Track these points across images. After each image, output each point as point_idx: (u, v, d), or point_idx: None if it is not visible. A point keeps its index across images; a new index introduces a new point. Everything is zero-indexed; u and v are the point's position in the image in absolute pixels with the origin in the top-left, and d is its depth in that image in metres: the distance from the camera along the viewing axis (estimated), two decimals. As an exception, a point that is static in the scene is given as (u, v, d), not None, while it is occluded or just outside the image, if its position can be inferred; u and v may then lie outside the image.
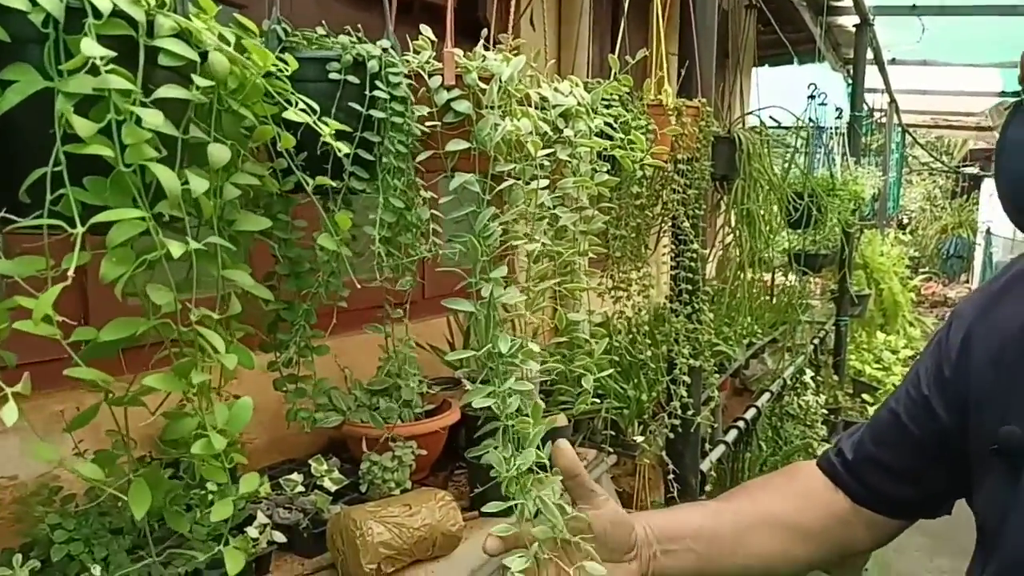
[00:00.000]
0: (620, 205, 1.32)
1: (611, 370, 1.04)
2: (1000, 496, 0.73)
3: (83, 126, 0.40)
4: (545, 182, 0.76)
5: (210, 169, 0.46)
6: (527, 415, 0.79)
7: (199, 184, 0.42)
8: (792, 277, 4.03)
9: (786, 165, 2.36)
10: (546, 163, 0.86)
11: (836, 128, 3.95)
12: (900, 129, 8.39)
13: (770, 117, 3.10)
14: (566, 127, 0.90)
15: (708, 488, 1.85)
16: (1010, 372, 0.74)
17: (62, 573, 1.09)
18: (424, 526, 1.38)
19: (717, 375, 1.74)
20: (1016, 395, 0.72)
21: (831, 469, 0.90)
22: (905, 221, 13.52)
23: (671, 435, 1.62)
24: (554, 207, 0.88)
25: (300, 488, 1.52)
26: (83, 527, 1.24)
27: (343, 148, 0.54)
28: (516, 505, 0.78)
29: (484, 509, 0.75)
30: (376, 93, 0.64)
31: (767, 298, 3.54)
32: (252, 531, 1.33)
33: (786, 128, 3.02)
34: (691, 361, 1.53)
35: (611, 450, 2.08)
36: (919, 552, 4.03)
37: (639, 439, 1.95)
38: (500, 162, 0.74)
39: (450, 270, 0.74)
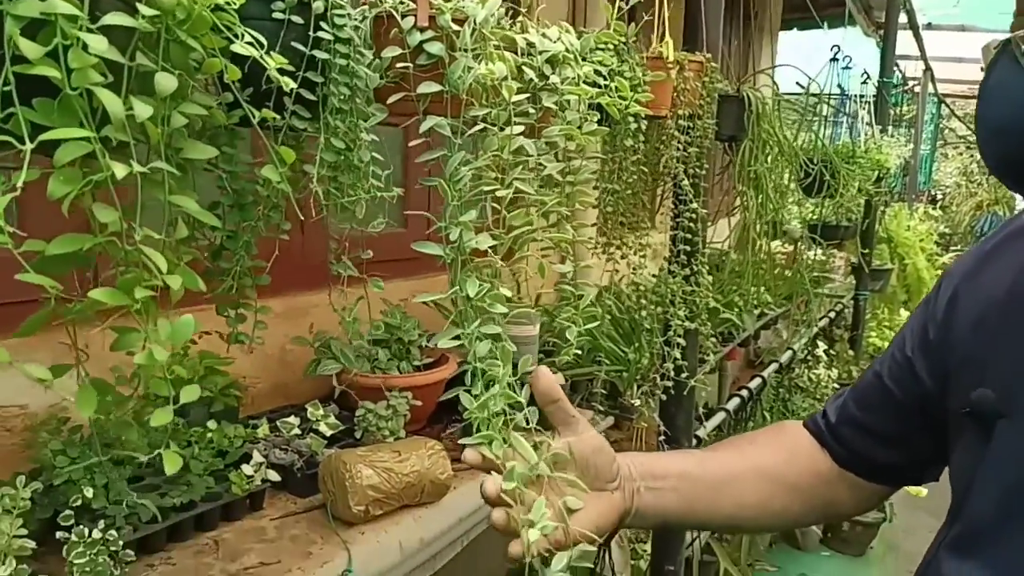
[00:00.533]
0: (613, 159, 1.31)
1: (595, 324, 1.05)
2: (969, 460, 0.72)
3: (30, 48, 0.41)
4: (520, 128, 0.76)
5: (157, 97, 0.47)
6: (497, 358, 0.81)
7: (143, 110, 0.44)
8: (813, 249, 3.99)
9: (799, 129, 2.31)
10: (531, 110, 0.86)
11: (862, 95, 3.86)
12: (935, 99, 8.13)
13: (796, 83, 3.05)
14: (552, 74, 0.89)
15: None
16: (991, 335, 0.72)
17: (64, 497, 1.13)
18: (413, 472, 1.42)
19: (715, 340, 1.74)
20: (993, 359, 0.71)
21: (816, 429, 0.90)
22: (938, 196, 13.19)
23: (663, 397, 1.64)
24: (539, 156, 0.88)
25: (296, 431, 1.57)
26: (86, 456, 1.30)
27: (288, 83, 0.55)
28: (490, 443, 0.80)
29: (460, 441, 0.77)
30: (320, 34, 0.65)
31: (781, 268, 3.51)
32: (247, 468, 1.38)
33: (811, 94, 2.97)
34: (686, 324, 1.53)
35: (607, 412, 2.11)
36: (929, 532, 4.02)
37: (637, 402, 1.97)
38: (474, 106, 0.74)
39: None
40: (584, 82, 0.92)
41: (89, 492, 0.96)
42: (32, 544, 0.96)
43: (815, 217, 3.84)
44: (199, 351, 1.61)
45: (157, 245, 0.46)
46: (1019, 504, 0.66)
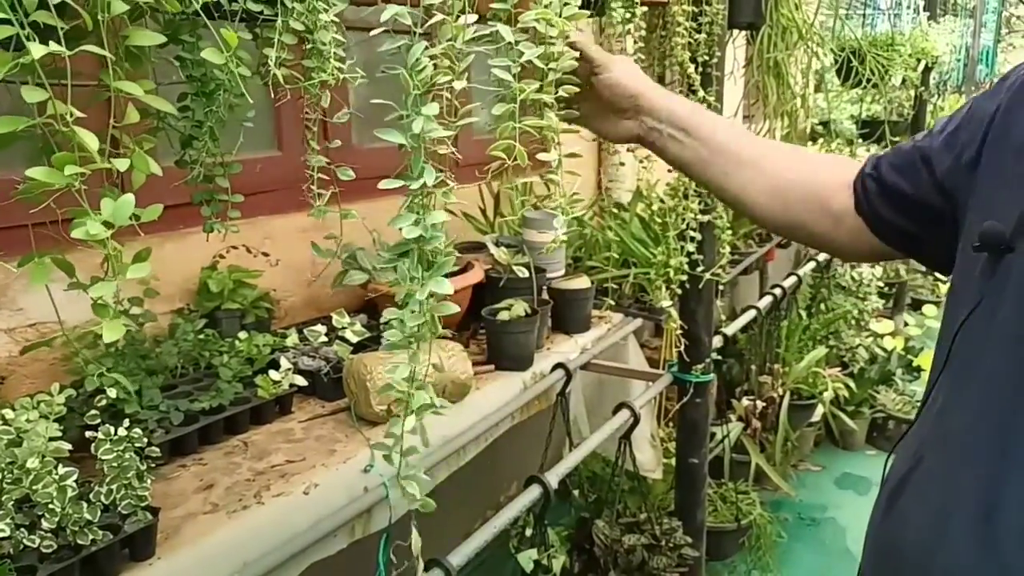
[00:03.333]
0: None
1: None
2: (969, 295, 0.71)
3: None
4: (474, 18, 0.75)
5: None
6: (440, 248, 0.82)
7: (60, -12, 0.45)
8: (865, 147, 3.83)
9: (821, 15, 2.18)
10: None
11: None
12: (1001, -19, 7.53)
13: None
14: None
15: (724, 362, 1.86)
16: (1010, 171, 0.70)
17: (96, 404, 1.20)
18: (434, 373, 1.47)
19: (753, 240, 1.71)
20: (1013, 191, 0.69)
21: (857, 174, 0.92)
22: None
23: (679, 291, 1.63)
24: (518, 42, 0.87)
25: (323, 339, 1.63)
26: (120, 366, 1.38)
27: (231, -38, 0.55)
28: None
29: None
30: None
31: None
32: (275, 374, 1.45)
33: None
34: (699, 216, 1.51)
35: (636, 314, 2.12)
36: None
37: (666, 303, 1.97)
38: (430, -6, 0.73)
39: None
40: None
41: (113, 393, 1.02)
42: (67, 446, 1.03)
43: (866, 113, 3.67)
44: (228, 265, 1.68)
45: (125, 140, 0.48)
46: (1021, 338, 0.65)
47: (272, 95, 0.71)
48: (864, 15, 3.05)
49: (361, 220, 1.11)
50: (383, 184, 0.74)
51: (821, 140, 3.79)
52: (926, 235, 0.85)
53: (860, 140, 3.98)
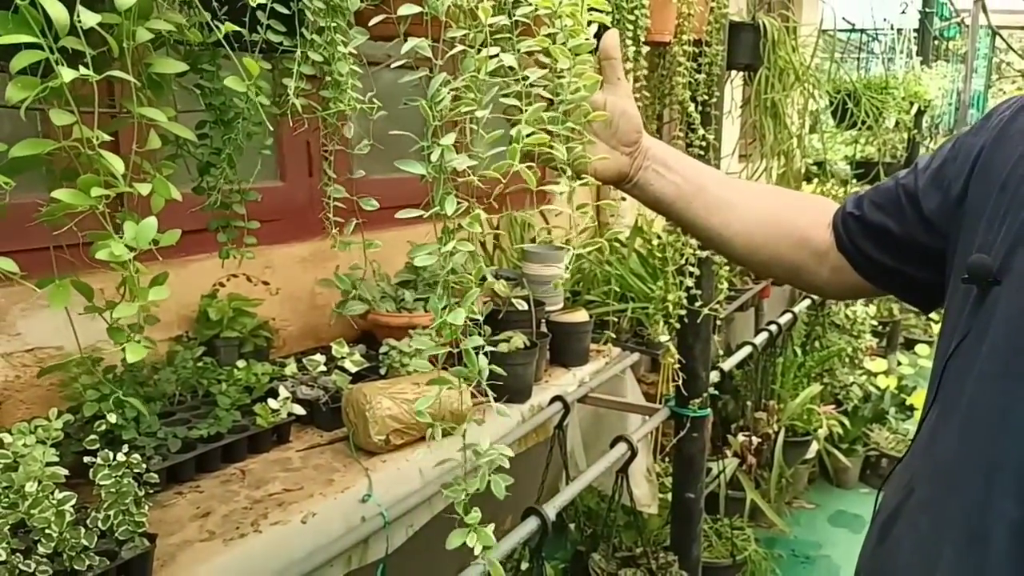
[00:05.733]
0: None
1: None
2: (958, 326, 0.72)
3: (-18, -40, 0.44)
4: (496, 50, 0.77)
5: (119, 10, 0.50)
6: (470, 274, 0.82)
7: (89, 18, 0.46)
8: (854, 187, 3.88)
9: (817, 58, 2.24)
10: (505, 22, 0.86)
11: (901, 28, 3.69)
12: (989, 31, 7.72)
13: (843, 19, 2.93)
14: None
15: (720, 399, 1.86)
16: (1008, 198, 0.71)
17: (95, 429, 1.20)
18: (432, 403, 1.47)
19: (747, 278, 1.73)
20: (998, 225, 0.70)
21: (836, 213, 0.93)
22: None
23: (677, 326, 1.64)
24: (525, 77, 0.88)
25: (322, 368, 1.63)
26: (118, 392, 1.38)
27: (255, -1, 0.57)
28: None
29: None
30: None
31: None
32: (273, 403, 1.44)
33: (843, 30, 2.86)
34: (698, 252, 1.53)
35: (633, 348, 2.12)
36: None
37: (664, 338, 1.97)
38: (452, 28, 0.75)
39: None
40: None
41: (112, 418, 1.02)
42: (64, 472, 1.01)
43: (860, 155, 3.72)
44: (228, 293, 1.68)
45: (144, 163, 0.49)
46: (1004, 369, 0.66)
47: (281, 125, 0.72)
48: (859, 58, 3.12)
49: (362, 250, 1.12)
50: (402, 214, 0.75)
51: (816, 180, 3.84)
52: (910, 272, 0.86)
53: (854, 181, 4.03)
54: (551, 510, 1.25)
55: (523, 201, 2.59)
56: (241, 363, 1.57)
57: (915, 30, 4.01)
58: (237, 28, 0.59)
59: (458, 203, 0.80)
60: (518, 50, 0.85)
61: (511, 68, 0.85)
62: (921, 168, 0.86)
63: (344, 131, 0.75)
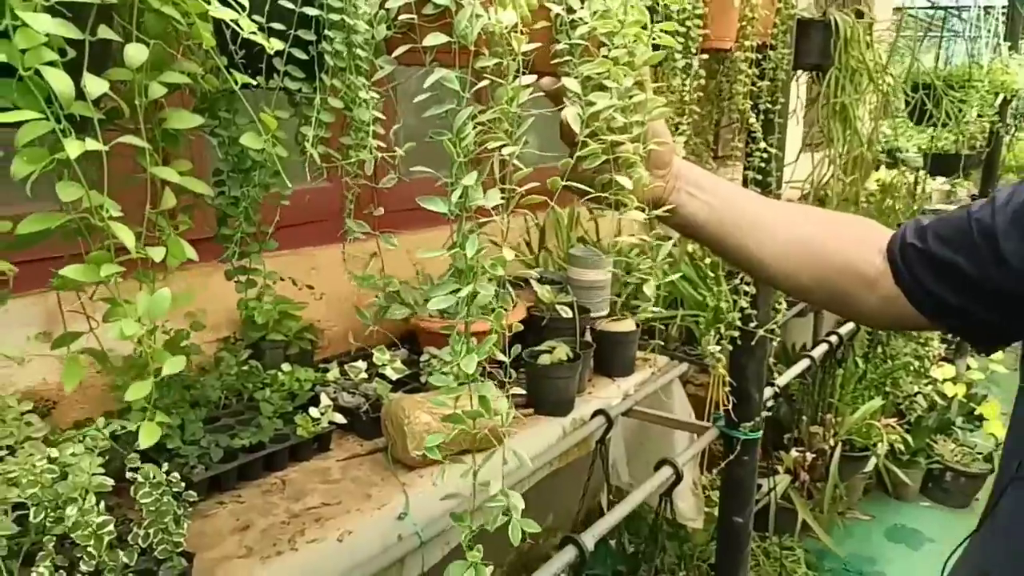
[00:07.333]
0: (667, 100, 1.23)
1: (675, 276, 1.00)
2: None
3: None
4: (531, 79, 0.73)
5: (130, 68, 0.48)
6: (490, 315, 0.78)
7: (96, 87, 0.44)
8: (932, 180, 3.68)
9: (890, 52, 2.09)
10: (565, 45, 0.81)
11: (989, 7, 3.44)
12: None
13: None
14: (581, 7, 0.83)
15: (773, 407, 1.78)
16: None
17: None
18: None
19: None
20: None
21: (891, 240, 0.87)
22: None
23: (730, 347, 1.57)
24: (586, 95, 0.83)
25: (363, 375, 1.62)
26: (165, 397, 1.39)
27: (274, 44, 0.54)
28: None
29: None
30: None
31: (891, 199, 3.23)
32: (314, 411, 1.44)
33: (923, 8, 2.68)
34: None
35: (682, 358, 2.06)
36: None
37: (715, 348, 1.90)
38: (483, 57, 0.71)
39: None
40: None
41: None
42: (110, 481, 1.03)
43: (933, 146, 3.52)
44: (275, 297, 1.69)
45: (161, 221, 0.47)
46: None
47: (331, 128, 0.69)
48: (940, 39, 2.90)
49: (405, 252, 1.10)
50: (422, 254, 0.72)
51: (884, 168, 3.64)
52: (976, 311, 0.80)
53: (926, 172, 3.82)
54: (590, 540, 1.22)
55: (570, 197, 2.52)
56: (286, 366, 1.57)
57: (1003, 8, 3.74)
58: (252, 81, 0.56)
59: (480, 245, 0.76)
60: (581, 74, 0.80)
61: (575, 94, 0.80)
62: (1000, 204, 0.78)
63: (365, 167, 0.71)
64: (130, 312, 0.47)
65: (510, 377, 1.04)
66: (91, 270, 0.46)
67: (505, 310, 0.75)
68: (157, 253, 0.50)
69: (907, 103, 2.26)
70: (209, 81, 0.57)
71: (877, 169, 3.68)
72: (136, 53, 0.48)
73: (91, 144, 0.44)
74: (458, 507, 1.36)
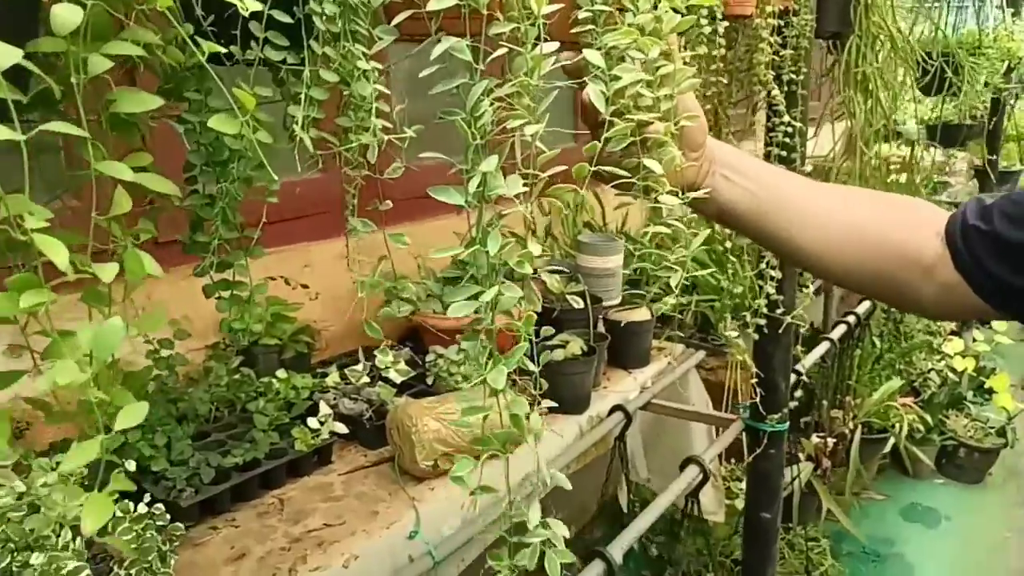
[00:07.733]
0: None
1: (707, 270, 0.90)
2: None
3: None
4: (554, 46, 0.62)
5: (60, 35, 0.37)
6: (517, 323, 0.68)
7: (7, 56, 0.33)
8: (931, 152, 3.59)
9: (914, 20, 1.98)
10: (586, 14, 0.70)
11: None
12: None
13: None
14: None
15: (798, 394, 1.71)
16: None
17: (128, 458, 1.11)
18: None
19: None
20: None
21: (950, 221, 0.79)
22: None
23: (756, 336, 1.47)
24: (610, 69, 0.72)
25: (365, 379, 1.51)
26: (149, 414, 1.28)
27: (249, 4, 0.42)
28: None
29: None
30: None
31: (896, 173, 3.15)
32: (313, 422, 1.33)
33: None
34: (780, 251, 1.35)
35: (698, 345, 1.96)
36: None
37: (733, 334, 1.81)
38: (497, 22, 0.60)
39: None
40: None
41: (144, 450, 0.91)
42: (87, 514, 0.93)
43: (934, 117, 3.42)
44: (268, 297, 1.57)
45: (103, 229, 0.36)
46: None
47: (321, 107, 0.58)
48: (948, 9, 2.79)
49: (405, 245, 0.99)
50: (436, 253, 0.61)
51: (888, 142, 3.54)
52: None
53: (926, 142, 3.72)
54: (618, 552, 1.12)
55: (580, 182, 2.40)
56: (281, 373, 1.46)
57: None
58: (223, 50, 0.45)
59: (504, 239, 0.66)
60: (605, 44, 0.69)
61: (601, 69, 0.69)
62: None
63: (369, 154, 0.60)
64: (69, 350, 0.36)
65: (539, 388, 0.95)
66: (10, 299, 0.35)
67: (536, 313, 0.65)
68: (107, 272, 0.40)
69: (924, 71, 2.15)
70: (172, 54, 0.46)
71: (887, 141, 3.57)
72: (67, 15, 0.37)
73: (6, 133, 0.33)
74: (473, 523, 1.26)
